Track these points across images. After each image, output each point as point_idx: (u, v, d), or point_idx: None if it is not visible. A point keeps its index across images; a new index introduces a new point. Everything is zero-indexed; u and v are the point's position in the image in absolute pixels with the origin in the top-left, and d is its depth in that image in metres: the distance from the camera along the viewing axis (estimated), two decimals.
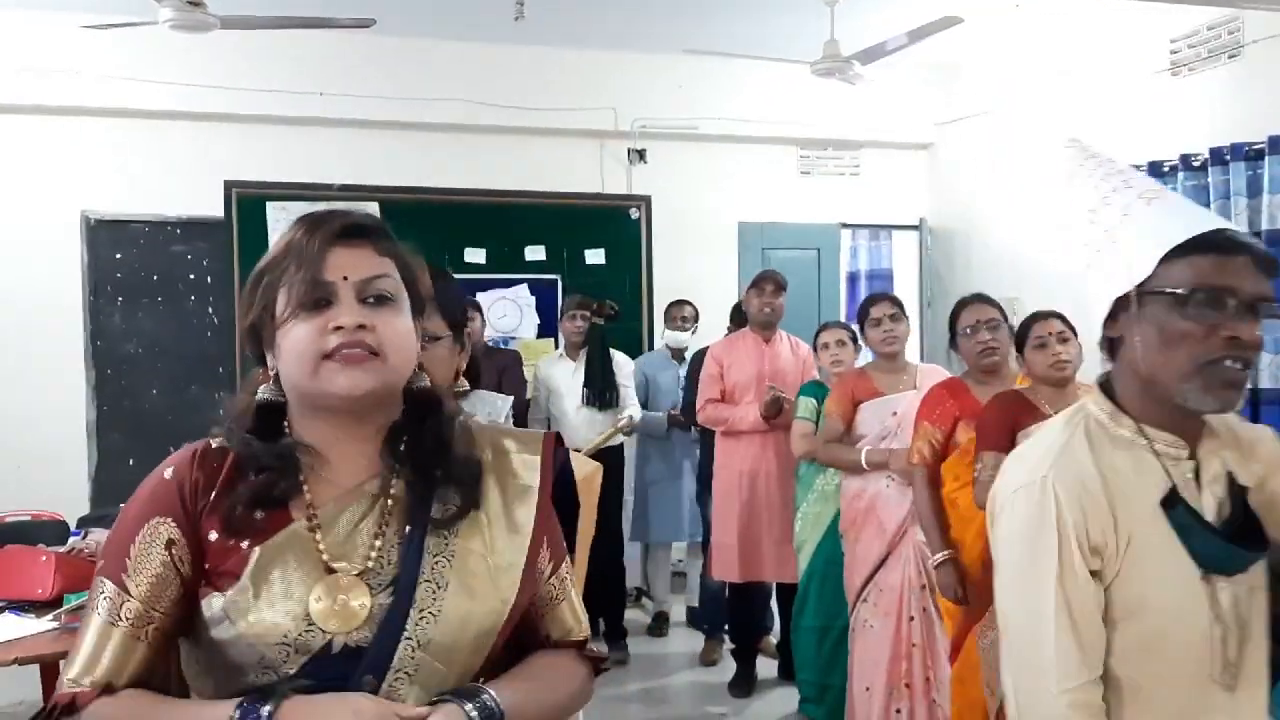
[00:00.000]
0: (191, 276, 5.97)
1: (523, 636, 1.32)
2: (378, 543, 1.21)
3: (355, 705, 1.12)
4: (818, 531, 4.05)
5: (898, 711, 3.58)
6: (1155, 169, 5.06)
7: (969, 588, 3.07)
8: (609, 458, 5.15)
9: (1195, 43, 5.03)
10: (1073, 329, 3.05)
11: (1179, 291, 1.33)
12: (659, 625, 5.55)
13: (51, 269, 5.68)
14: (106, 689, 1.17)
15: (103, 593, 1.19)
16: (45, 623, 2.74)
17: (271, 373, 1.25)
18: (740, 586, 4.63)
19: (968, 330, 3.28)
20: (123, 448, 5.82)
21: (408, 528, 1.22)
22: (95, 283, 5.84)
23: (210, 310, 5.99)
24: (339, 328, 1.18)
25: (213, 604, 1.17)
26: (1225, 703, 1.36)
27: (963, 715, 3.10)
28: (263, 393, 1.25)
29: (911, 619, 3.60)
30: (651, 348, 5.90)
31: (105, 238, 5.84)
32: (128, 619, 1.18)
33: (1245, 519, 1.37)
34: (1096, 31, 5.58)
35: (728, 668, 4.79)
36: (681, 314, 5.48)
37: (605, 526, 4.87)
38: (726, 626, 4.96)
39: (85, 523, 3.51)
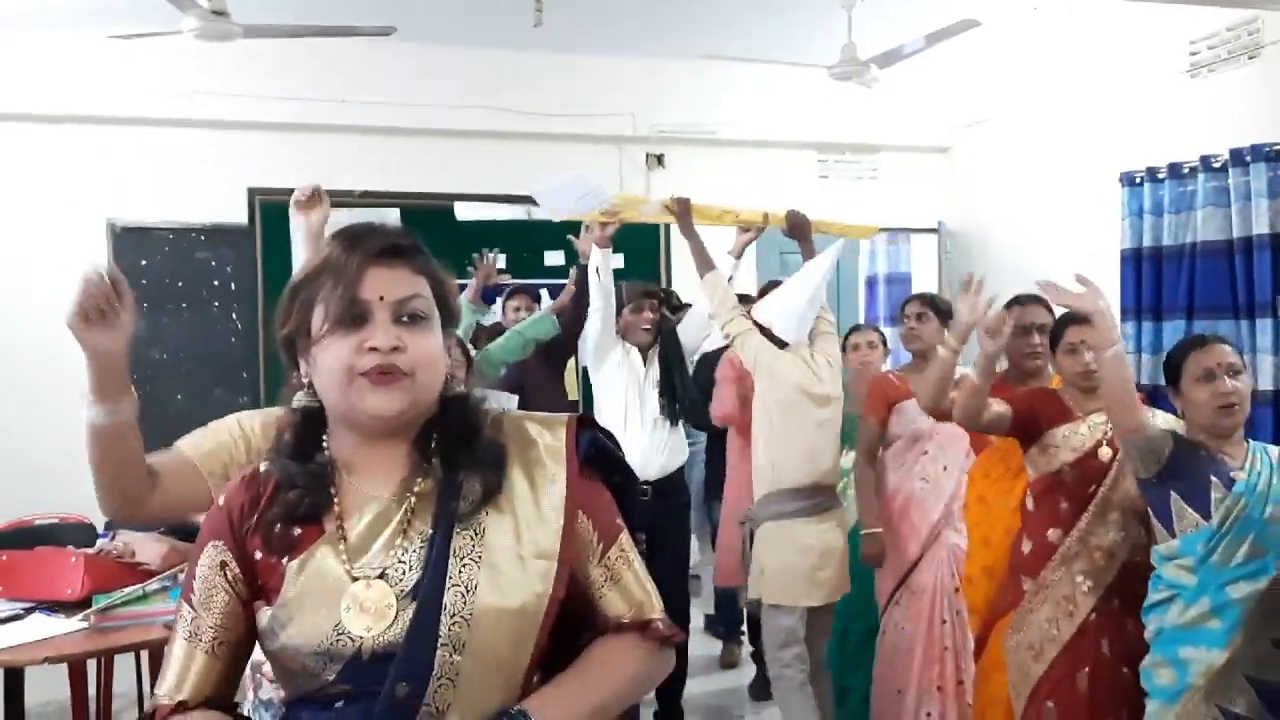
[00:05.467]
0: (216, 283, 6.03)
1: (584, 620, 1.31)
2: (400, 541, 1.23)
3: None
4: None
5: (928, 715, 3.56)
6: (1175, 170, 5.05)
7: (995, 586, 3.08)
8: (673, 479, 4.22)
9: (1215, 44, 5.02)
10: None
11: None
12: None
13: (78, 276, 5.74)
14: (180, 706, 1.25)
15: (181, 614, 1.29)
16: (74, 623, 2.78)
17: (305, 380, 1.29)
18: None
19: (1020, 330, 3.21)
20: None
21: (430, 530, 1.23)
22: None
23: (234, 316, 6.05)
24: (374, 349, 1.21)
25: (263, 618, 1.24)
26: None
27: (984, 711, 3.09)
28: (299, 400, 1.30)
29: (944, 622, 3.59)
30: None
31: (131, 245, 5.90)
32: (199, 636, 1.27)
33: None
34: (1115, 33, 5.56)
35: (747, 671, 4.79)
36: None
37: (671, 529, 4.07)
38: (744, 629, 4.97)
39: (113, 525, 3.54)
